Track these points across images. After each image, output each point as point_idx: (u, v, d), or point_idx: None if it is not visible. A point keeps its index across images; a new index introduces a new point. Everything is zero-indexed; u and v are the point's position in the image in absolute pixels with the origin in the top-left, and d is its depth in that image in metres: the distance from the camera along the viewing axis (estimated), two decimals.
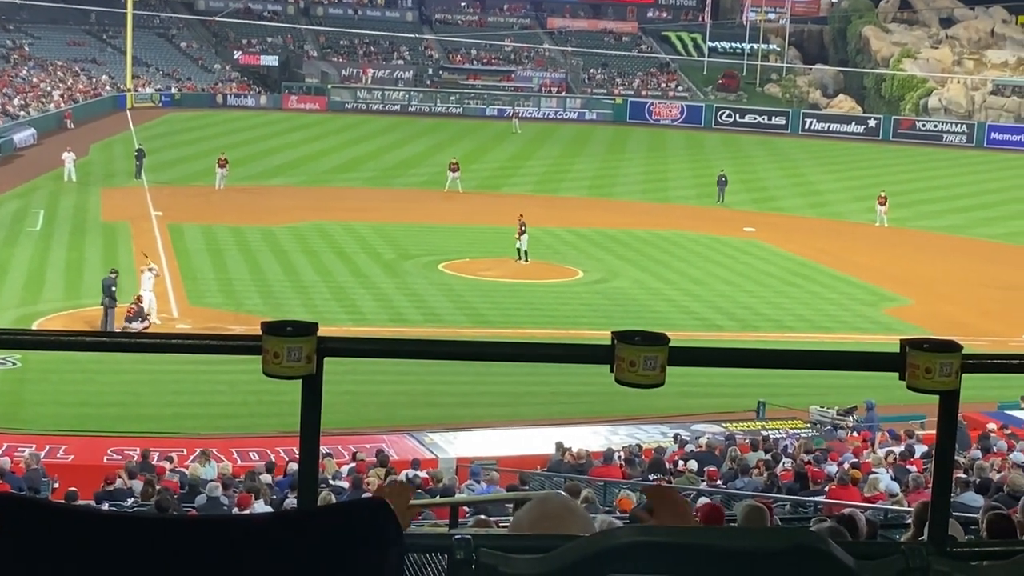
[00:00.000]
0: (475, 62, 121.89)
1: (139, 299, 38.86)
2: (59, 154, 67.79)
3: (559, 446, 27.84)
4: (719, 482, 23.88)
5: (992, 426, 29.03)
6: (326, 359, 3.25)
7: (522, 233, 50.89)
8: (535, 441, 29.58)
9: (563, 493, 10.96)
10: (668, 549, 2.59)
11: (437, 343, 3.72)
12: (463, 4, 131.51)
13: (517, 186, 73.15)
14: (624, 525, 2.63)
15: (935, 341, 3.28)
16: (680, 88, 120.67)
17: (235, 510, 18.27)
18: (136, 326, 37.43)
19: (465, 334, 37.36)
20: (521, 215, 51.65)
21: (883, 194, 65.84)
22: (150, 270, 40.35)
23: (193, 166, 72.43)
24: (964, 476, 19.73)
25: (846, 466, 23.66)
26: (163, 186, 65.88)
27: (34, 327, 35.55)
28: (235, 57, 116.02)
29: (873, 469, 23.09)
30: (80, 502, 18.61)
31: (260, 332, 3.21)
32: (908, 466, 24.08)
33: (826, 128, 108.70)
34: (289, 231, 55.58)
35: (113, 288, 38.74)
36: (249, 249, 51.81)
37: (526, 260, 50.84)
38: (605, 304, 44.66)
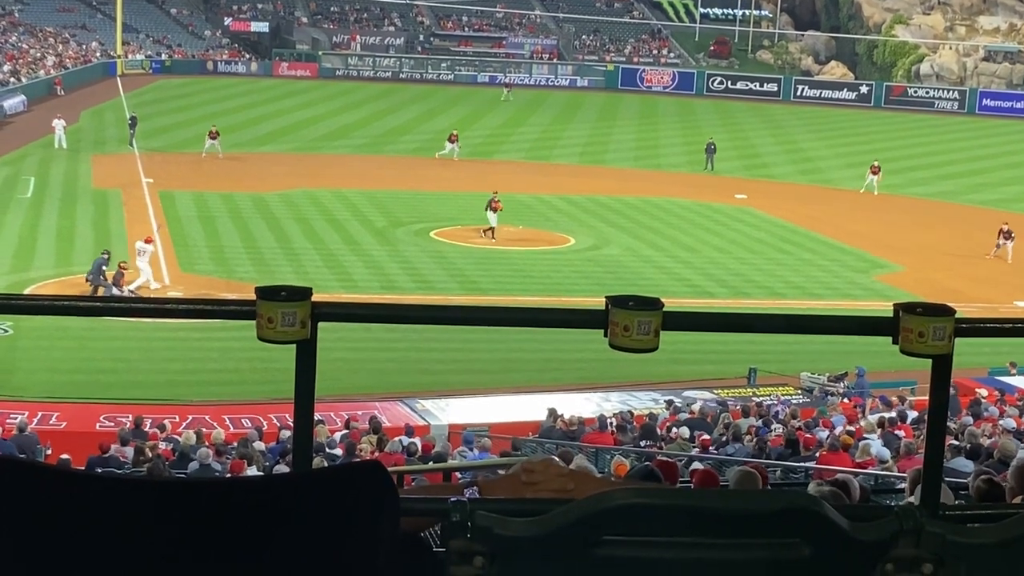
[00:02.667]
0: (466, 28, 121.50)
1: (122, 265, 38.73)
2: (50, 121, 67.62)
3: (551, 412, 27.92)
4: (711, 448, 23.97)
5: (983, 392, 29.15)
6: (319, 325, 3.25)
7: (496, 209, 49.89)
8: (527, 408, 29.64)
9: (544, 456, 11.00)
10: (663, 511, 2.60)
11: (431, 308, 3.72)
12: None
13: (508, 153, 73.09)
14: (619, 488, 2.66)
15: (928, 305, 3.29)
16: (672, 55, 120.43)
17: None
18: (116, 292, 37.45)
19: (457, 301, 37.36)
20: (496, 192, 50.78)
21: (876, 163, 65.81)
22: (146, 243, 40.37)
23: (184, 133, 72.25)
24: (955, 442, 19.82)
25: (837, 432, 23.75)
26: (154, 153, 65.76)
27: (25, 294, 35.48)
28: (226, 23, 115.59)
29: (864, 435, 23.18)
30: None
31: (254, 297, 3.21)
32: (898, 432, 24.19)
33: (818, 95, 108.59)
34: (280, 198, 55.49)
35: (104, 267, 38.56)
36: (240, 216, 51.75)
37: (492, 236, 50.04)
38: (597, 271, 44.68)
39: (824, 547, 2.63)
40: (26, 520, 2.37)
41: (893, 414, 26.29)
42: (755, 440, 23.67)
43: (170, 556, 2.39)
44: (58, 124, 66.50)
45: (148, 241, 41.07)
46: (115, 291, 37.42)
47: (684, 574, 2.64)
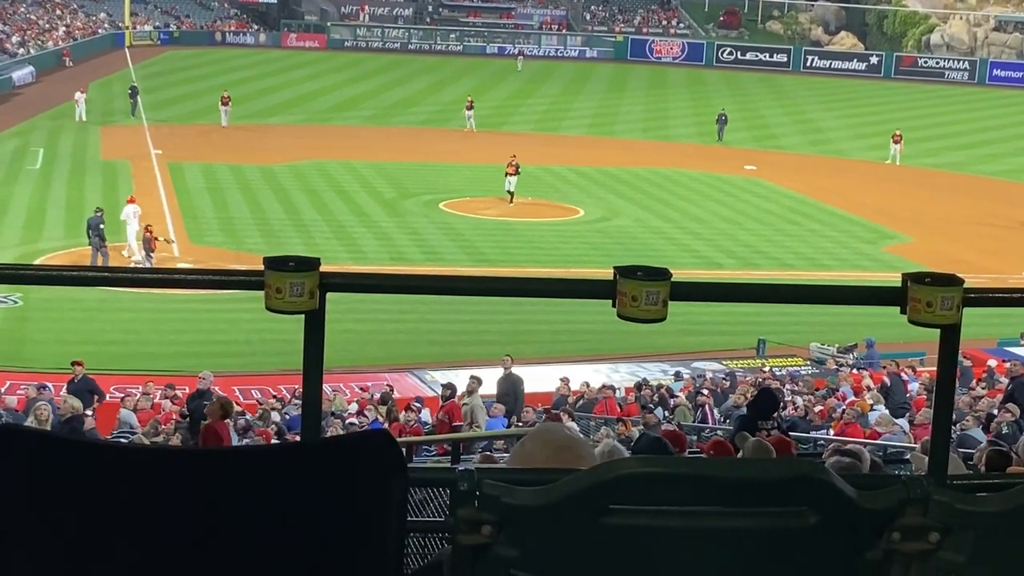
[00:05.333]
0: None
1: (148, 229, 38.98)
2: (57, 92, 67.69)
3: (564, 381, 28.02)
4: (719, 417, 24.02)
5: (992, 363, 29.11)
6: (328, 295, 3.26)
7: (514, 173, 50.54)
8: (537, 379, 29.59)
9: (555, 423, 11.02)
10: (670, 480, 2.61)
11: (439, 278, 3.72)
12: None
13: (518, 124, 72.95)
14: (628, 456, 2.69)
15: (936, 275, 3.29)
16: (681, 25, 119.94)
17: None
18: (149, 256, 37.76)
19: (466, 272, 37.34)
20: (514, 155, 51.30)
21: (897, 132, 65.85)
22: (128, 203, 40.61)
23: (192, 104, 72.21)
24: (969, 412, 19.85)
25: (848, 402, 23.77)
26: (162, 124, 65.74)
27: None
28: None
29: (874, 406, 23.21)
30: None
31: (262, 268, 3.22)
32: (905, 380, 24.31)
33: (828, 65, 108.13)
34: (289, 169, 55.47)
35: (101, 226, 38.65)
36: (249, 187, 51.76)
37: (511, 201, 50.52)
38: (606, 243, 44.66)
39: (831, 515, 2.64)
40: (36, 488, 2.38)
41: (913, 386, 26.28)
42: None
43: (179, 524, 2.41)
44: (80, 97, 66.42)
45: (131, 201, 41.33)
46: (148, 255, 37.78)
47: (692, 543, 2.65)
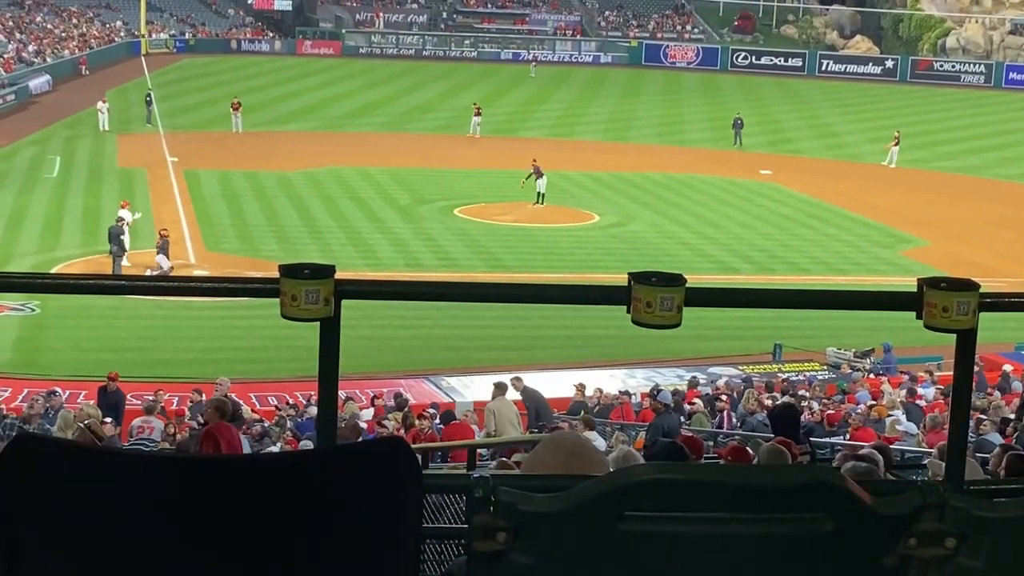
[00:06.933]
0: (489, 5, 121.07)
1: (164, 232, 39.10)
2: (74, 101, 67.81)
3: (580, 387, 27.96)
4: (736, 423, 23.98)
5: (1008, 367, 29.02)
6: (343, 303, 3.26)
7: (539, 176, 51.03)
8: (552, 384, 29.60)
9: (569, 431, 11.03)
10: (685, 486, 2.61)
11: (454, 285, 3.72)
12: None
13: (532, 130, 72.97)
14: (642, 463, 2.69)
15: (952, 280, 3.28)
16: (696, 30, 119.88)
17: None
18: (163, 262, 37.79)
19: (481, 278, 37.25)
20: (535, 159, 51.73)
21: (896, 133, 66.13)
22: (124, 217, 40.66)
23: (208, 112, 72.35)
24: (984, 417, 19.79)
25: (863, 407, 23.71)
26: (178, 132, 65.88)
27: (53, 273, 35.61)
28: (249, 2, 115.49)
29: (890, 411, 23.16)
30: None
31: (278, 275, 3.23)
32: (923, 406, 24.16)
33: (843, 69, 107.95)
34: (304, 176, 55.55)
35: (121, 236, 38.83)
36: (265, 195, 51.84)
37: (542, 202, 50.96)
38: (621, 248, 44.62)
39: (847, 521, 2.63)
40: (51, 497, 2.39)
41: (920, 390, 26.23)
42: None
43: (193, 530, 2.41)
44: (103, 107, 66.45)
45: (124, 206, 41.53)
46: (163, 259, 37.87)
47: (707, 549, 2.65)
